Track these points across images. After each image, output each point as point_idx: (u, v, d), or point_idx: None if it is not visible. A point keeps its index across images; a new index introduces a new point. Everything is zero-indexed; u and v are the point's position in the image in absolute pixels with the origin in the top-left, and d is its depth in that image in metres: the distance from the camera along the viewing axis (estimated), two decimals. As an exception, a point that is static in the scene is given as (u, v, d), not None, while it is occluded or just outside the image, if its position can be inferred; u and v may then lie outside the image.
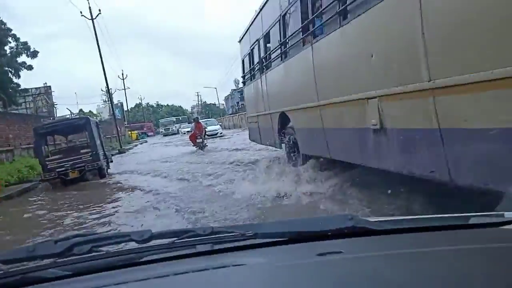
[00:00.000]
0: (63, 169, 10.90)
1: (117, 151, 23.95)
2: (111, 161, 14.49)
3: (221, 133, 27.76)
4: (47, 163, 11.11)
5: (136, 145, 33.57)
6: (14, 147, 16.03)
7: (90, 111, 28.54)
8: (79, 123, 12.21)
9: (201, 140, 16.43)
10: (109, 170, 12.92)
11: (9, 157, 15.33)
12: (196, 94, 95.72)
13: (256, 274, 0.93)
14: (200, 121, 18.70)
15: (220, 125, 32.72)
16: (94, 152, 11.17)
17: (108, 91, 23.26)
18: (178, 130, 48.94)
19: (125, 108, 62.01)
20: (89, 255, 1.01)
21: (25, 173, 12.95)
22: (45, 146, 12.28)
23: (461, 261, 0.86)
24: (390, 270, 0.84)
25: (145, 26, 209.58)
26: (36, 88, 43.71)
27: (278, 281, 0.87)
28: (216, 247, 1.05)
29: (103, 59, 23.61)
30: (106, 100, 47.55)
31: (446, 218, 1.16)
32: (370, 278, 0.80)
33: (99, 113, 27.84)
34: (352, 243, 1.04)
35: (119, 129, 39.34)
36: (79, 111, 29.31)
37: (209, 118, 62.41)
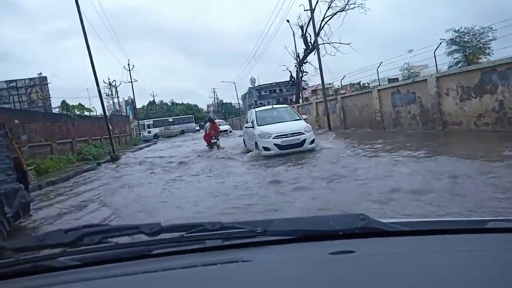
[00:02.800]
0: None
1: (109, 158, 17.64)
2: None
3: (230, 131, 30.87)
4: None
5: (141, 148, 27.26)
6: None
7: (79, 103, 22.23)
8: None
9: (215, 140, 15.89)
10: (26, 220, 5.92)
11: None
12: (212, 90, 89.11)
13: (266, 271, 0.90)
14: (216, 121, 18.54)
15: (229, 124, 35.83)
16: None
17: (97, 83, 17.06)
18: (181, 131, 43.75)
19: (136, 105, 56.40)
20: (98, 245, 0.99)
21: None
22: None
23: (476, 266, 0.83)
24: (402, 272, 0.82)
25: (158, 24, 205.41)
26: (30, 78, 38.17)
27: (289, 278, 0.84)
28: (225, 242, 1.02)
29: (91, 50, 17.31)
30: (109, 94, 41.52)
31: (462, 221, 1.15)
32: (383, 279, 0.79)
33: (92, 107, 21.91)
34: (364, 243, 0.99)
35: (124, 128, 33.61)
36: (61, 103, 22.95)
37: (226, 118, 57.06)
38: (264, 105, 76.85)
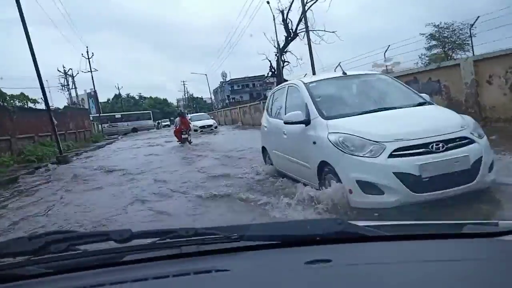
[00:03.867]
0: None
1: (55, 160, 14.12)
2: None
3: (216, 127, 26.00)
4: None
5: (100, 147, 23.58)
6: None
7: (22, 93, 18.37)
8: None
9: (186, 136, 15.65)
10: None
11: None
12: (182, 83, 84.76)
13: (240, 281, 0.87)
14: (186, 115, 18.91)
15: (213, 118, 29.86)
16: None
17: (36, 66, 13.30)
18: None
19: (98, 98, 51.61)
20: (65, 253, 0.95)
21: None
22: None
23: (453, 271, 0.83)
24: (379, 280, 0.81)
25: (123, 15, 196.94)
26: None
27: None
28: (199, 249, 0.99)
29: (31, 41, 13.63)
30: (65, 84, 36.94)
31: (439, 225, 1.13)
32: None
33: (39, 97, 18.07)
34: (341, 250, 0.99)
35: (83, 123, 29.42)
36: (20, 95, 19.01)
37: (197, 112, 53.22)
38: (238, 100, 73.61)
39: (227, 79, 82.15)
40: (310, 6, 19.81)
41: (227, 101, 78.31)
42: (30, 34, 13.85)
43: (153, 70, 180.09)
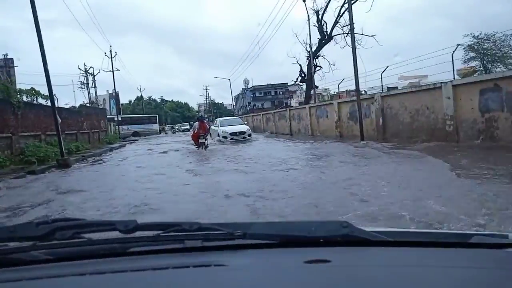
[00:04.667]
0: None
1: (56, 163, 12.25)
2: None
3: (250, 135, 20.14)
4: None
5: (112, 149, 21.82)
6: None
7: (32, 88, 16.74)
8: None
9: (203, 140, 15.62)
10: None
11: None
12: (204, 87, 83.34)
13: (239, 277, 0.87)
14: (205, 120, 19.68)
15: (246, 124, 23.51)
16: None
17: (43, 59, 11.30)
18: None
19: (119, 99, 50.56)
20: (70, 241, 0.95)
21: None
22: None
23: (457, 281, 0.82)
24: (378, 282, 0.81)
25: (149, 20, 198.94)
26: (-8, 60, 32.36)
27: (260, 286, 0.82)
28: (202, 244, 0.99)
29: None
30: (84, 82, 35.55)
31: (446, 234, 1.13)
32: None
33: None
34: (342, 252, 0.98)
35: (98, 122, 27.85)
36: (30, 89, 17.47)
37: (218, 117, 51.14)
38: (259, 107, 70.56)
39: (249, 86, 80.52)
40: (353, 3, 17.54)
41: (248, 107, 76.56)
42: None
43: (176, 75, 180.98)
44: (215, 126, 21.91)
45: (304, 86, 26.81)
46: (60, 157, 12.69)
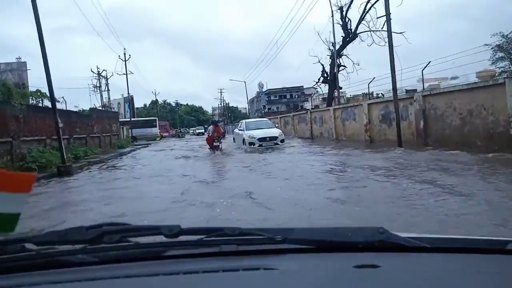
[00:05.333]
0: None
1: (56, 171, 10.90)
2: None
3: (282, 141, 16.38)
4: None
5: (123, 154, 20.56)
6: None
7: (37, 90, 15.70)
8: None
9: (218, 143, 15.80)
10: None
11: None
12: (219, 91, 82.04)
13: (290, 279, 0.88)
14: (219, 124, 19.95)
15: (277, 127, 19.80)
16: None
17: (43, 55, 9.92)
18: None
19: (134, 103, 49.58)
20: (118, 244, 0.98)
21: None
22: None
23: (496, 286, 0.83)
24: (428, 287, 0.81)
25: (164, 26, 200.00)
26: (6, 63, 31.68)
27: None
28: (244, 248, 1.01)
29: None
30: (97, 85, 34.50)
31: (482, 240, 1.12)
32: None
33: (61, 97, 15.17)
34: (386, 258, 0.96)
35: (110, 126, 26.62)
36: (35, 92, 16.40)
37: (231, 121, 49.14)
38: (274, 111, 68.60)
39: (264, 89, 79.17)
40: (374, 3, 15.88)
41: (263, 111, 75.08)
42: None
43: (190, 79, 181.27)
44: (239, 130, 18.27)
45: (322, 88, 25.03)
46: (61, 164, 11.34)
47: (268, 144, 15.81)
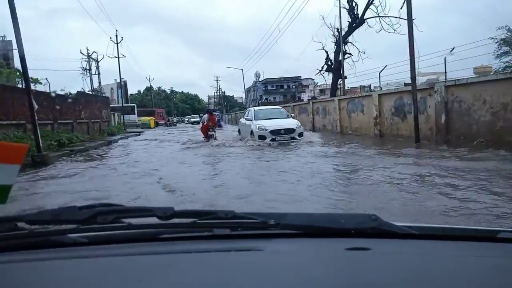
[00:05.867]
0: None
1: (30, 160, 9.45)
2: None
3: (301, 135, 13.15)
4: None
5: (111, 142, 19.19)
6: None
7: (16, 69, 14.13)
8: None
9: (212, 132, 15.39)
10: None
11: None
12: (215, 79, 79.98)
13: (280, 260, 0.88)
14: (215, 113, 19.07)
15: (293, 116, 16.09)
16: None
17: (20, 48, 8.28)
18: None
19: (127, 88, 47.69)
20: (111, 225, 0.97)
21: None
22: None
23: (489, 270, 0.83)
24: (420, 272, 0.82)
25: (159, 11, 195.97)
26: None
27: (304, 268, 0.82)
28: (237, 232, 1.01)
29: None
30: (86, 68, 32.56)
31: (472, 229, 1.12)
32: (400, 277, 0.79)
33: (38, 78, 13.67)
34: (377, 243, 0.96)
35: (99, 112, 24.94)
36: (13, 71, 14.74)
37: (227, 110, 46.72)
38: (270, 101, 66.12)
39: (260, 79, 77.51)
40: None
41: (259, 101, 73.50)
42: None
43: (186, 67, 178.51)
44: (246, 119, 14.91)
45: (325, 77, 23.52)
46: (37, 152, 9.91)
47: (283, 138, 12.67)
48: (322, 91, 63.57)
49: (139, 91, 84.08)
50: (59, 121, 17.97)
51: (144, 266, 0.84)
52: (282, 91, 76.46)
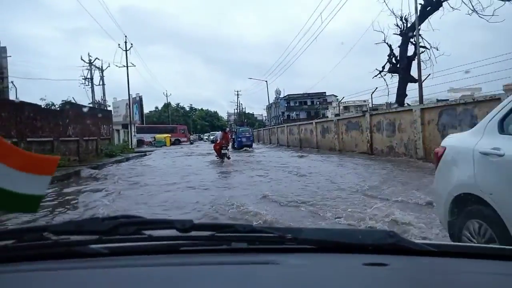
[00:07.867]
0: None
1: None
2: None
3: None
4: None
5: (101, 167, 14.12)
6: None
7: None
8: None
9: (226, 151, 14.70)
10: None
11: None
12: (235, 93, 75.12)
13: (297, 274, 0.87)
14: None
15: None
16: None
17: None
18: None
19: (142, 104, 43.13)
20: (132, 236, 0.97)
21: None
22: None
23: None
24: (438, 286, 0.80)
25: (178, 30, 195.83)
26: (-19, 48, 25.53)
27: (325, 284, 0.81)
28: (254, 246, 1.00)
29: None
30: (87, 77, 27.71)
31: (490, 248, 1.09)
32: None
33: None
34: (395, 259, 0.94)
35: (98, 129, 19.91)
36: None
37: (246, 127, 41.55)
38: (293, 118, 60.62)
39: (281, 96, 72.63)
40: None
41: (281, 118, 68.24)
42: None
43: (205, 84, 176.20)
44: None
45: (386, 80, 17.36)
46: None
47: None
48: (346, 108, 58.03)
49: (156, 107, 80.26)
50: (28, 139, 12.97)
51: (163, 277, 0.84)
52: (305, 107, 71.26)
